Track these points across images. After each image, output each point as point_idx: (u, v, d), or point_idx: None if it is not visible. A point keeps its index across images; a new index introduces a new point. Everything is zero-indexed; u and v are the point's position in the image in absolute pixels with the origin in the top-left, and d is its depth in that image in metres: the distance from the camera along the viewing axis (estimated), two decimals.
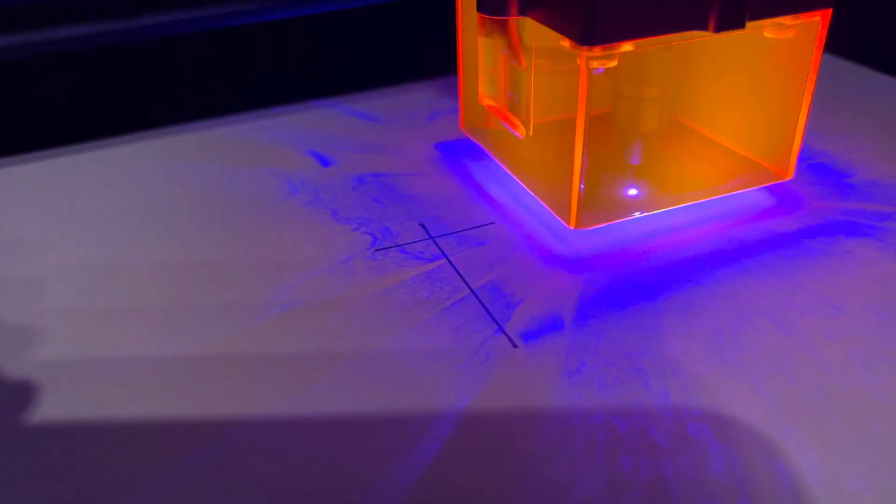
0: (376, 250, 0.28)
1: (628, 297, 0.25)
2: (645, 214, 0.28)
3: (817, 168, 0.33)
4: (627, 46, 0.24)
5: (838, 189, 0.31)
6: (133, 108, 0.41)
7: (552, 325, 0.24)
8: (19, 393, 0.22)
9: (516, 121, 0.28)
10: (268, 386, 0.23)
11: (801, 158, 0.33)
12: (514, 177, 0.31)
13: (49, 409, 0.22)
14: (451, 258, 0.27)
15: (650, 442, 0.20)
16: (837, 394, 0.22)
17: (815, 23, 0.26)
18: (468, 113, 0.33)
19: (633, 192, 0.29)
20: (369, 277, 0.27)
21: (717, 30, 0.24)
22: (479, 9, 0.26)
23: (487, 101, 0.29)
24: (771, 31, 0.27)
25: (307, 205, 0.31)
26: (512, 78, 0.28)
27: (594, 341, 0.24)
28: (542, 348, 0.23)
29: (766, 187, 0.31)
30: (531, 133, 0.28)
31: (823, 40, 0.27)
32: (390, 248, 0.28)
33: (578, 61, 0.24)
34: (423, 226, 0.29)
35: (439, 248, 0.28)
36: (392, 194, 0.32)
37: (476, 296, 0.26)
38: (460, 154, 0.35)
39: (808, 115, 0.28)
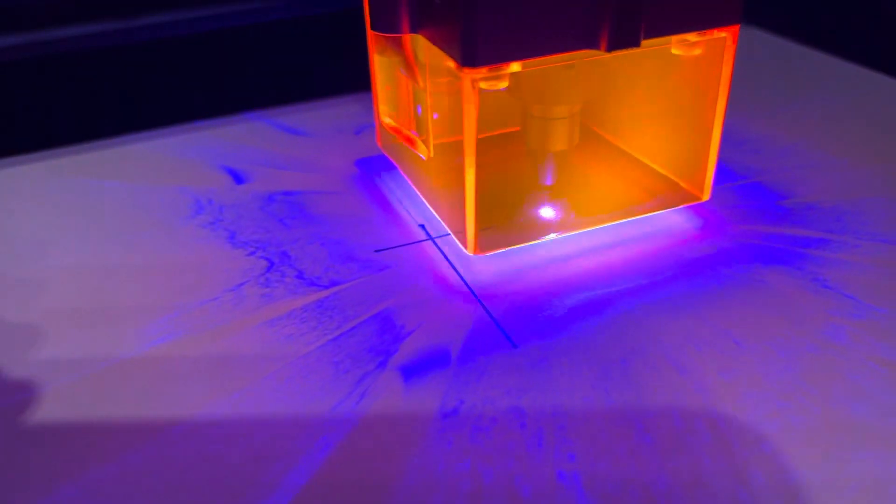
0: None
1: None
2: (552, 238, 0.27)
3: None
4: (515, 67, 0.23)
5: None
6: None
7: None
8: (19, 392, 0.22)
9: (418, 141, 0.27)
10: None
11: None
12: (422, 198, 0.30)
13: (49, 408, 0.22)
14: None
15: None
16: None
17: (723, 39, 0.25)
18: (384, 130, 0.31)
19: (540, 214, 0.28)
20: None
21: (610, 49, 0.23)
22: (371, 26, 0.25)
23: (387, 121, 0.28)
24: (678, 48, 0.25)
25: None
26: (412, 96, 0.26)
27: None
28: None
29: (688, 209, 0.29)
30: (432, 154, 0.27)
31: (733, 56, 0.25)
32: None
33: (462, 82, 0.23)
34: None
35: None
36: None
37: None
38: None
39: (721, 133, 0.27)
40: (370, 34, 0.25)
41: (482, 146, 0.31)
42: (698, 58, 0.26)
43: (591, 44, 0.23)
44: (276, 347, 0.24)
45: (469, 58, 0.22)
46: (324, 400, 0.22)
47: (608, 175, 0.30)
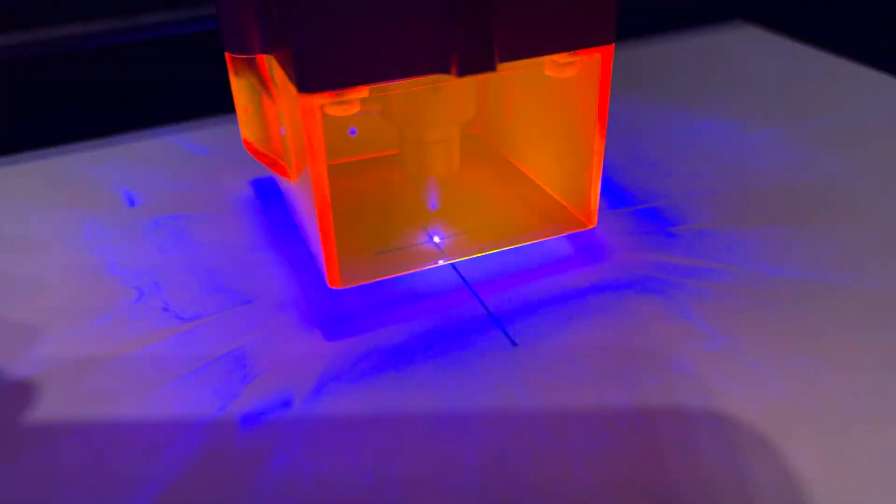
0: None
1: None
2: (422, 269, 0.26)
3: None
4: (362, 93, 0.22)
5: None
6: None
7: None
8: (18, 392, 0.22)
9: (283, 165, 0.26)
10: None
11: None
12: (298, 225, 0.29)
13: (49, 408, 0.21)
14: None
15: None
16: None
17: (596, 60, 0.24)
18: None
19: (411, 243, 0.27)
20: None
21: (461, 74, 0.21)
22: (225, 48, 0.24)
23: (250, 144, 0.27)
24: (550, 70, 0.24)
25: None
26: (275, 119, 0.25)
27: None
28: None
29: (573, 236, 0.28)
30: (295, 178, 0.25)
31: (609, 78, 0.24)
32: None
33: (301, 107, 0.21)
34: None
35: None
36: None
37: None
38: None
39: (602, 157, 0.25)
40: (226, 55, 0.24)
41: (361, 169, 0.30)
42: (572, 79, 0.25)
43: (441, 68, 0.21)
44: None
45: (303, 83, 0.21)
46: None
47: (498, 198, 0.29)
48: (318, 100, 0.21)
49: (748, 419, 0.21)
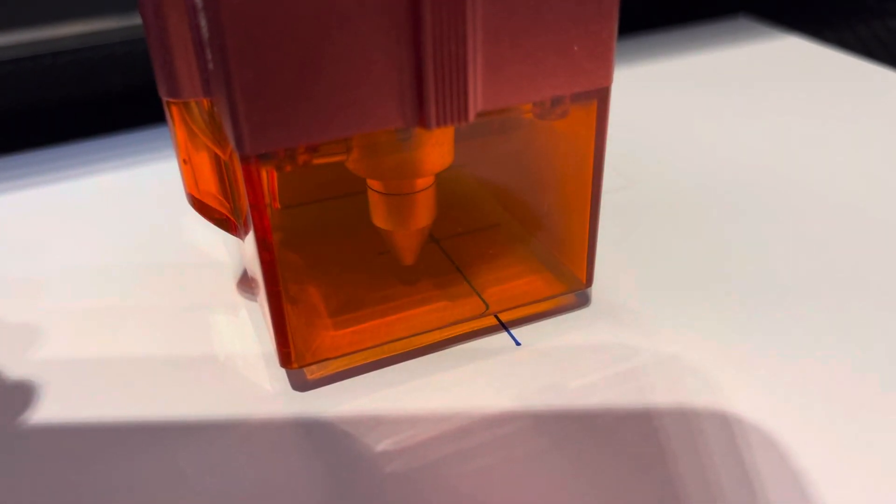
0: None
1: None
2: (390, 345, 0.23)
3: None
4: (304, 156, 0.18)
5: None
6: None
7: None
8: (19, 392, 0.22)
9: (234, 221, 0.23)
10: None
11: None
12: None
13: (49, 408, 0.21)
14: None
15: None
16: None
17: (590, 104, 0.20)
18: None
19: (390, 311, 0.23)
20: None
21: (432, 126, 0.18)
22: (159, 91, 0.20)
23: (194, 198, 0.23)
24: (537, 115, 0.20)
25: None
26: (218, 169, 0.22)
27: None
28: None
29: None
30: (244, 238, 0.22)
31: (606, 122, 0.21)
32: None
33: (241, 169, 0.18)
34: None
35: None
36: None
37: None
38: None
39: (598, 211, 0.23)
40: (165, 101, 0.21)
41: (321, 214, 0.26)
42: (562, 125, 0.22)
43: (408, 120, 0.18)
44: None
45: (240, 143, 0.17)
46: None
47: (479, 255, 0.26)
48: (262, 163, 0.18)
49: (755, 419, 0.20)
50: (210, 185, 0.23)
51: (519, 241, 0.26)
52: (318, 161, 0.19)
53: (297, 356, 0.21)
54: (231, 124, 0.17)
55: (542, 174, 0.24)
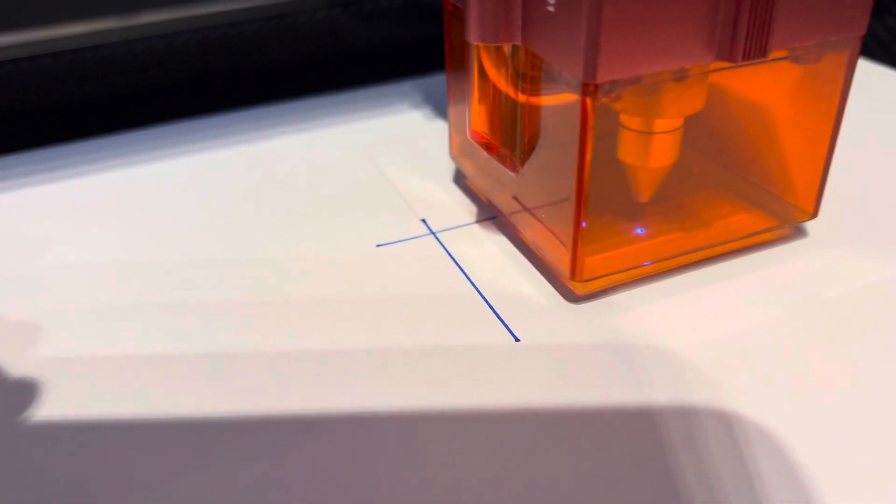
0: None
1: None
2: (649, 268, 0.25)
3: None
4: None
5: None
6: None
7: None
8: (20, 391, 0.22)
9: (509, 156, 0.25)
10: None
11: None
12: (509, 220, 0.28)
13: (50, 406, 0.21)
14: None
15: None
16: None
17: (847, 46, 0.23)
18: (466, 144, 0.29)
19: (640, 238, 0.26)
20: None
21: (743, 59, 0.21)
22: (467, 37, 0.23)
23: (476, 134, 0.26)
24: (799, 57, 0.24)
25: None
26: (505, 109, 0.24)
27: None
28: None
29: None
30: (522, 169, 0.25)
31: (855, 64, 0.24)
32: None
33: (581, 98, 0.21)
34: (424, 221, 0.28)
35: None
36: None
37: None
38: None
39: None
40: (465, 44, 0.23)
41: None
42: (818, 68, 0.24)
43: (722, 55, 0.21)
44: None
45: (591, 72, 0.20)
46: None
47: (707, 195, 0.28)
48: (597, 92, 0.20)
49: (754, 415, 0.20)
50: (490, 121, 0.26)
51: (740, 178, 0.29)
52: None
53: (579, 272, 0.24)
54: (584, 53, 0.20)
55: (782, 114, 0.27)
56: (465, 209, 0.30)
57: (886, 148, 0.34)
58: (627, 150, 0.25)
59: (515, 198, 0.27)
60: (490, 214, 0.30)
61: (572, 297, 0.25)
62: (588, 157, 0.22)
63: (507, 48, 0.23)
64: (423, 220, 0.29)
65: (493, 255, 0.27)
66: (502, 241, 0.28)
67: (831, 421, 0.20)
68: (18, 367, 0.23)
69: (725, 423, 0.20)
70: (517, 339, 0.23)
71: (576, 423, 0.20)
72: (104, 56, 0.41)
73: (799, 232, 0.28)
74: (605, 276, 0.24)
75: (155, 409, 0.21)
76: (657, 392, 0.21)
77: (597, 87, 0.20)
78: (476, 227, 0.29)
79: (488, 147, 0.26)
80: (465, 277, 0.26)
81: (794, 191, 0.27)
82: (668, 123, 0.24)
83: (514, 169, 0.25)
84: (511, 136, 0.25)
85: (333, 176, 0.33)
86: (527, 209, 0.26)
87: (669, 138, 0.25)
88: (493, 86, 0.24)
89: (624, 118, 0.25)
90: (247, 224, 0.30)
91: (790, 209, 0.27)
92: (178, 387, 0.22)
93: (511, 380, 0.22)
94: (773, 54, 0.22)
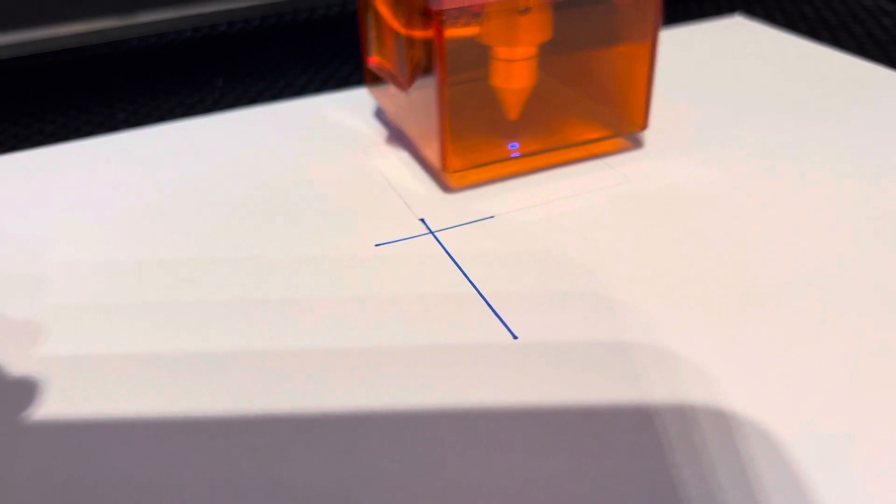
0: None
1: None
2: (517, 157, 0.32)
3: None
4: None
5: None
6: None
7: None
8: (21, 389, 0.22)
9: (399, 77, 0.31)
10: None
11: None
12: (404, 132, 0.34)
13: (52, 405, 0.21)
14: None
15: None
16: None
17: None
18: (369, 71, 0.36)
19: (507, 141, 0.32)
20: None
21: None
22: None
23: (374, 61, 0.33)
24: None
25: None
26: (395, 39, 0.31)
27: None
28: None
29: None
30: (410, 87, 0.31)
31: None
32: None
33: (431, 25, 0.27)
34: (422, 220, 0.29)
35: None
36: None
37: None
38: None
39: (654, 70, 0.32)
40: None
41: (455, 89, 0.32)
42: (632, 5, 0.31)
43: None
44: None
45: (436, 1, 0.26)
46: None
47: (560, 111, 0.34)
48: (442, 17, 0.27)
49: (751, 413, 0.21)
50: (384, 50, 0.32)
51: (593, 99, 0.35)
52: (461, 31, 0.28)
53: (450, 164, 0.30)
54: None
55: (618, 41, 0.33)
56: (463, 209, 0.30)
57: (880, 147, 0.34)
58: (495, 76, 0.31)
59: (408, 115, 0.33)
60: (489, 214, 0.30)
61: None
62: (444, 72, 0.28)
63: None
64: (422, 220, 0.30)
65: (491, 253, 0.27)
66: (500, 238, 0.28)
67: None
68: (19, 366, 0.23)
69: (721, 417, 0.21)
70: (515, 337, 0.24)
71: (573, 420, 0.21)
72: (104, 55, 0.41)
73: (638, 143, 0.34)
74: (471, 168, 0.31)
75: (155, 408, 0.21)
76: (654, 388, 0.21)
77: (441, 13, 0.27)
78: (474, 226, 0.29)
79: (381, 70, 0.33)
80: (463, 276, 0.26)
81: (629, 107, 0.33)
82: (524, 52, 0.30)
83: (403, 88, 0.31)
84: (398, 61, 0.31)
85: (333, 175, 0.33)
86: (416, 125, 0.32)
87: (526, 64, 0.31)
88: (385, 20, 0.30)
89: (493, 50, 0.30)
90: (247, 223, 0.30)
91: (627, 122, 0.34)
92: (178, 385, 0.22)
93: (509, 377, 0.22)
94: None
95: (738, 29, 0.49)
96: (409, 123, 0.33)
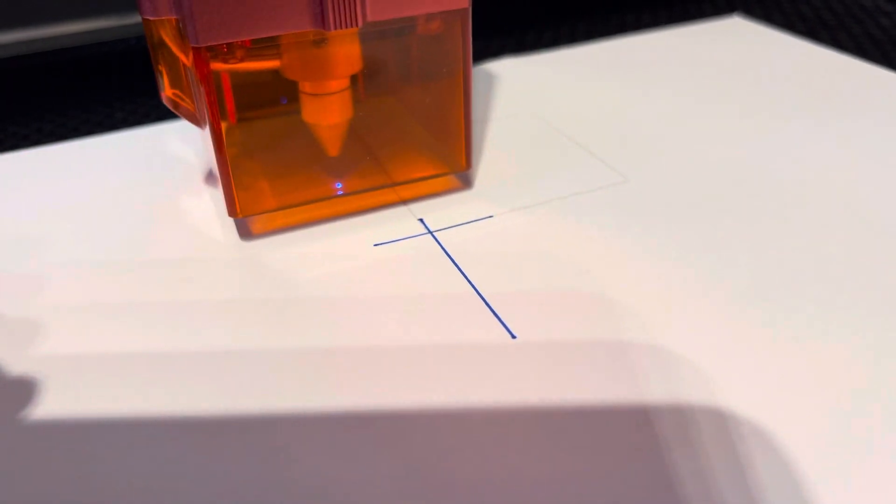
0: None
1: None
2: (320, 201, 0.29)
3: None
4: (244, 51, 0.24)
5: None
6: None
7: None
8: (20, 389, 0.22)
9: (196, 115, 0.28)
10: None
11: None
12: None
13: (50, 404, 0.21)
14: None
15: None
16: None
17: (458, 15, 0.27)
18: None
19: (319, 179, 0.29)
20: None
21: (332, 28, 0.24)
22: (140, 11, 0.26)
23: (169, 98, 0.29)
24: (419, 27, 0.27)
25: None
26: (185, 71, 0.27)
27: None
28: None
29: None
30: (204, 126, 0.27)
31: (469, 33, 0.27)
32: None
33: (194, 58, 0.24)
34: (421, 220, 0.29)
35: None
36: None
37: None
38: None
39: (470, 107, 0.29)
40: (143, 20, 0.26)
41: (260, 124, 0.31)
42: (440, 35, 0.28)
43: (316, 23, 0.25)
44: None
45: (193, 36, 0.24)
46: None
47: (387, 144, 0.31)
48: (208, 54, 0.24)
49: (748, 412, 0.21)
50: (177, 87, 0.28)
51: (417, 137, 0.32)
52: (255, 64, 0.26)
53: (240, 208, 0.27)
54: (187, 25, 0.23)
55: (428, 76, 0.30)
56: (462, 208, 0.30)
57: (881, 146, 0.34)
58: (305, 110, 0.28)
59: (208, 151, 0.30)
60: (488, 213, 0.30)
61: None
62: (215, 112, 0.25)
63: (174, 21, 0.26)
64: (421, 220, 0.30)
65: (490, 253, 0.27)
66: (500, 239, 0.28)
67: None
68: (18, 366, 0.23)
69: (719, 417, 0.21)
70: (514, 336, 0.24)
71: (571, 420, 0.21)
72: (103, 54, 0.41)
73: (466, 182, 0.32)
74: (265, 212, 0.28)
75: (154, 407, 0.22)
76: (652, 388, 0.21)
77: (208, 49, 0.24)
78: (473, 226, 0.29)
79: (176, 106, 0.29)
80: (462, 276, 0.26)
81: (452, 145, 0.30)
82: (332, 85, 0.28)
83: (198, 123, 0.28)
84: (192, 95, 0.27)
85: None
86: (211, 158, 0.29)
87: (337, 98, 0.28)
88: (174, 56, 0.27)
89: (301, 84, 0.28)
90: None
91: (451, 161, 0.31)
92: (177, 385, 0.22)
93: (507, 377, 0.22)
94: (383, 24, 0.26)
95: (736, 29, 0.49)
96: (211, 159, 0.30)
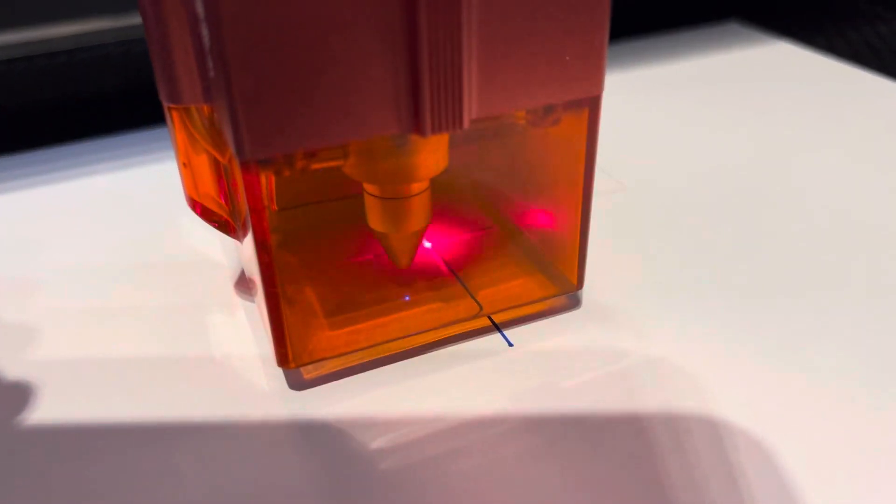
0: None
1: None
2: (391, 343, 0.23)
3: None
4: (301, 162, 0.18)
5: None
6: None
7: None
8: (16, 392, 0.22)
9: (232, 223, 0.23)
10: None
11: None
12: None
13: (46, 408, 0.21)
14: None
15: None
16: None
17: (583, 111, 0.21)
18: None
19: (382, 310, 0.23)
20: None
21: (427, 133, 0.18)
22: (160, 96, 0.20)
23: (193, 201, 0.23)
24: (531, 122, 0.21)
25: None
26: (221, 173, 0.22)
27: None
28: None
29: None
30: (243, 240, 0.22)
31: (597, 130, 0.21)
32: None
33: (242, 175, 0.18)
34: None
35: None
36: None
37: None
38: None
39: (589, 215, 0.23)
40: (165, 106, 0.20)
41: (322, 216, 0.26)
42: (555, 132, 0.22)
43: (404, 127, 0.18)
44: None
45: (240, 150, 0.17)
46: None
47: (476, 258, 0.26)
48: (261, 169, 0.18)
49: (741, 419, 0.21)
50: (209, 188, 0.23)
51: (512, 244, 0.26)
52: (315, 166, 0.19)
53: (294, 356, 0.21)
54: (231, 130, 0.17)
55: (535, 179, 0.24)
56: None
57: (877, 153, 0.34)
58: (374, 218, 0.23)
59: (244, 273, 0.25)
60: (486, 224, 0.28)
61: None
62: (268, 237, 0.19)
63: (206, 109, 0.20)
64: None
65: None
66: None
67: None
68: (14, 369, 0.23)
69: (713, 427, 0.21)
70: (510, 345, 0.24)
71: (566, 428, 0.21)
72: (99, 56, 0.41)
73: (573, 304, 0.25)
74: (331, 358, 0.22)
75: (150, 410, 0.21)
76: (647, 397, 0.22)
77: (258, 162, 0.18)
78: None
79: (204, 215, 0.23)
80: (459, 283, 0.26)
81: (563, 260, 0.24)
82: (415, 186, 0.22)
83: (237, 236, 0.23)
84: (228, 201, 0.22)
85: None
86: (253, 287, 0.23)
87: (417, 201, 0.22)
88: (203, 149, 0.22)
89: (365, 185, 0.22)
90: None
91: (562, 279, 0.24)
92: (173, 387, 0.22)
93: (503, 385, 0.22)
94: (489, 121, 0.20)
95: (733, 35, 0.49)
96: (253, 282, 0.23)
